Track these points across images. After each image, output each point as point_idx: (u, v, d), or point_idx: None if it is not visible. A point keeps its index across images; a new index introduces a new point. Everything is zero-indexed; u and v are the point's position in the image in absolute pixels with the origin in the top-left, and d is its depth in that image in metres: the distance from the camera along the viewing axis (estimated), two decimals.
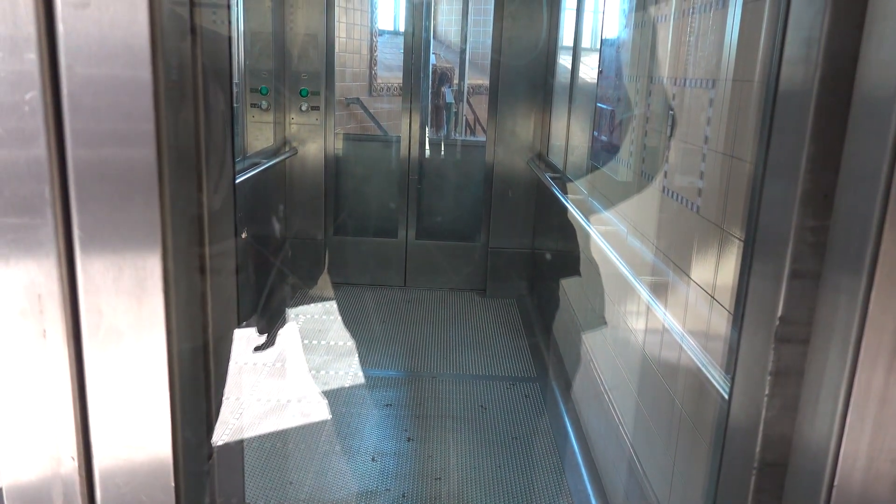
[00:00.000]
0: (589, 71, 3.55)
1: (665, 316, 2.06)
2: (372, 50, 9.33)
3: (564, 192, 3.76)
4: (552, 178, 4.17)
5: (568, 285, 3.92)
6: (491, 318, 4.77)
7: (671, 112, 2.19)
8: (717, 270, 1.73)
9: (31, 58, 0.64)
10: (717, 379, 1.51)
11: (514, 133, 4.99)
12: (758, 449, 0.80)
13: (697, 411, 1.79)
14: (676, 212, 2.09)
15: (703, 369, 1.61)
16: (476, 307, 4.96)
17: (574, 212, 3.30)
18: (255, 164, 4.25)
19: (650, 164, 2.43)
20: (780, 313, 0.77)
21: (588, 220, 3.05)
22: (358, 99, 8.91)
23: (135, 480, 0.71)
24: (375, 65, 9.41)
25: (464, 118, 8.53)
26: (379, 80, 9.50)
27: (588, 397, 3.22)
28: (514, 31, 4.82)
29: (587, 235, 2.99)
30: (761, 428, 0.80)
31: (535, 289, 5.08)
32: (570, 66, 4.26)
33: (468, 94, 8.63)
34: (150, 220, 0.65)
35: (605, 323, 2.94)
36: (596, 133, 3.03)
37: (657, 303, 2.15)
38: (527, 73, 4.88)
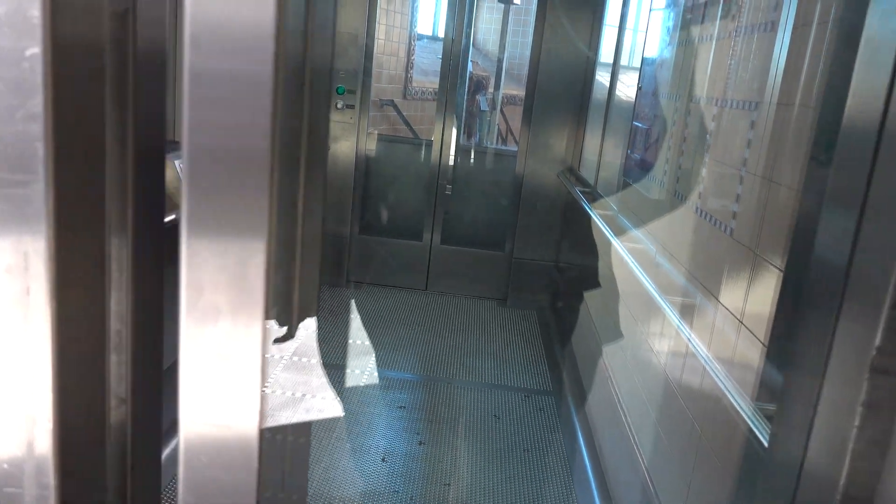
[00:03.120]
0: (627, 88, 3.53)
1: (690, 339, 2.03)
2: (409, 53, 9.37)
3: (594, 207, 3.74)
4: (582, 193, 4.15)
5: (590, 300, 3.89)
6: (510, 327, 4.75)
7: (708, 133, 2.16)
8: (748, 295, 1.71)
9: None
10: (743, 406, 1.48)
11: (547, 145, 4.98)
12: (842, 482, 0.78)
13: (719, 438, 1.76)
14: (709, 233, 2.07)
15: (729, 396, 1.58)
16: (496, 316, 4.94)
17: (602, 227, 3.27)
18: None
19: (684, 183, 2.40)
20: (877, 343, 0.75)
21: (616, 237, 3.03)
22: (392, 101, 8.95)
23: (219, 459, 0.72)
24: (412, 68, 9.45)
25: (496, 127, 8.53)
26: (414, 84, 9.53)
27: (604, 415, 3.19)
28: (554, 43, 4.81)
29: (614, 252, 2.96)
30: (847, 460, 0.78)
31: (557, 302, 5.05)
32: (607, 82, 4.24)
33: (502, 103, 8.64)
34: (258, 206, 0.68)
35: (627, 341, 2.91)
36: (630, 150, 3.01)
37: (683, 325, 2.12)
38: (563, 86, 4.86)
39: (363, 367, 3.86)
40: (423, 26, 9.44)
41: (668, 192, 2.55)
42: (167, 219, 0.97)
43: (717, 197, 2.07)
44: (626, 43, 3.75)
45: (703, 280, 2.10)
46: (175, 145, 2.56)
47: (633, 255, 2.74)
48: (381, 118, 8.94)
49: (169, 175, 2.43)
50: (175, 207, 0.76)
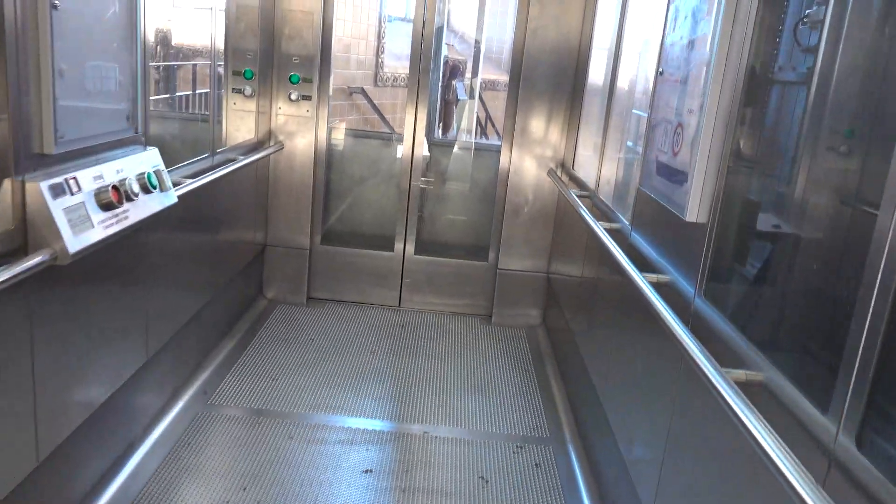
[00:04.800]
0: (639, 73, 2.89)
1: None
2: (380, 36, 8.66)
3: (596, 216, 3.10)
4: (579, 197, 3.51)
5: (591, 323, 3.27)
6: (496, 352, 4.12)
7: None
8: None
9: None
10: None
11: (535, 138, 4.33)
12: None
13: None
14: None
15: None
16: (480, 337, 4.30)
17: (609, 244, 2.64)
18: (231, 160, 3.59)
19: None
20: None
21: (630, 260, 2.40)
22: (362, 89, 8.26)
23: None
24: (383, 52, 8.74)
25: (475, 116, 7.86)
26: (386, 70, 8.83)
27: (613, 468, 2.58)
28: (541, 22, 4.15)
29: (626, 274, 2.32)
30: None
31: (549, 320, 4.42)
32: (605, 67, 3.59)
33: (481, 89, 7.97)
34: None
35: (640, 377, 2.30)
36: (649, 151, 2.37)
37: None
38: (553, 71, 4.21)
39: (320, 415, 3.21)
40: (395, 6, 8.72)
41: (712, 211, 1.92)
42: None
43: None
44: (629, 20, 3.10)
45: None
46: (40, 160, 1.87)
47: (658, 290, 2.10)
48: (350, 107, 8.25)
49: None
50: None
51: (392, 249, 4.55)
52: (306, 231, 4.44)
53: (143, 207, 2.30)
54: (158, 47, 3.25)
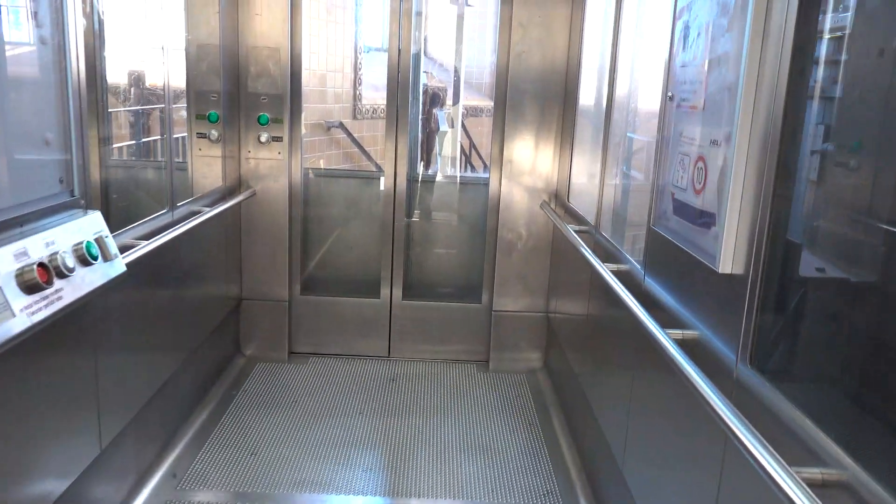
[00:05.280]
0: (637, 94, 2.61)
1: None
2: (356, 68, 8.41)
3: (599, 255, 2.80)
4: (578, 233, 3.22)
5: (599, 367, 2.96)
6: (497, 402, 3.78)
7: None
8: None
9: None
10: None
11: (525, 169, 4.04)
12: None
13: None
14: None
15: None
16: (478, 387, 3.97)
17: (620, 292, 2.33)
18: (195, 213, 3.28)
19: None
20: None
21: (646, 309, 2.09)
22: (340, 123, 7.98)
23: None
24: (360, 84, 8.48)
25: (458, 144, 7.59)
26: (365, 102, 8.57)
27: None
28: (525, 46, 3.88)
29: (642, 328, 2.02)
30: None
31: (551, 362, 4.10)
32: (601, 89, 3.33)
33: (463, 117, 7.72)
34: None
35: (667, 442, 1.98)
36: (662, 186, 2.08)
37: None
38: (540, 97, 3.94)
39: (304, 495, 2.86)
40: (370, 36, 8.48)
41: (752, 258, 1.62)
42: None
43: None
44: (624, 40, 2.83)
45: None
46: None
47: (682, 348, 1.79)
48: (329, 142, 7.96)
49: None
50: None
51: (378, 295, 4.23)
52: (284, 281, 4.11)
53: (82, 284, 1.97)
54: (105, 93, 2.96)
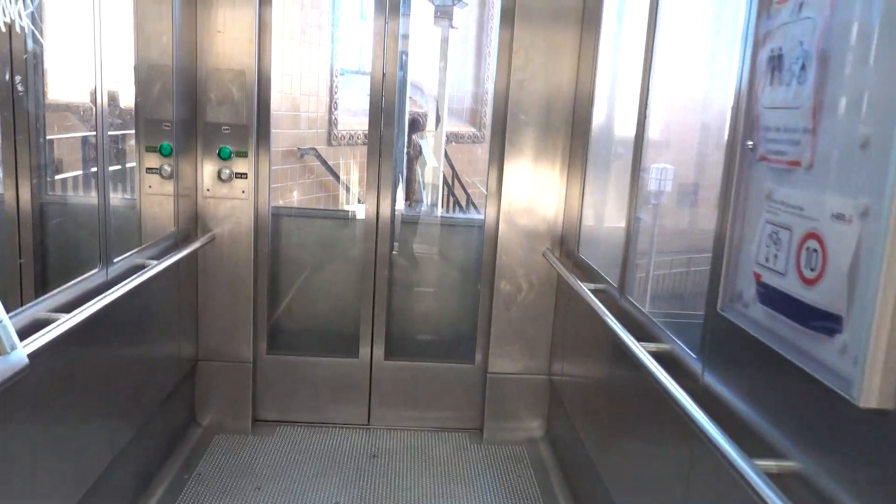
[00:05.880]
0: (685, 143, 2.13)
1: None
2: (332, 91, 7.90)
3: (625, 324, 2.31)
4: (595, 294, 2.73)
5: (614, 442, 2.46)
6: (494, 484, 3.25)
7: None
8: None
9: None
10: None
11: (525, 209, 3.55)
12: None
13: None
14: None
15: None
16: (471, 462, 3.43)
17: (667, 383, 1.84)
18: (139, 268, 2.73)
19: None
20: None
21: (715, 424, 1.60)
22: (314, 149, 7.45)
23: None
24: (336, 109, 7.98)
25: (441, 174, 7.09)
26: (340, 128, 8.06)
27: None
28: (528, 72, 3.41)
29: (725, 458, 1.52)
30: None
31: (555, 431, 3.59)
32: (617, 128, 2.86)
33: (446, 142, 7.25)
34: None
35: None
36: (735, 259, 1.59)
37: None
38: (543, 130, 3.46)
39: None
40: (347, 59, 7.99)
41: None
42: None
43: None
44: (658, 70, 2.35)
45: None
46: None
47: (781, 486, 1.29)
48: (302, 170, 7.43)
49: None
50: None
51: (356, 354, 3.69)
52: (248, 338, 3.55)
53: None
54: (43, 119, 2.45)
